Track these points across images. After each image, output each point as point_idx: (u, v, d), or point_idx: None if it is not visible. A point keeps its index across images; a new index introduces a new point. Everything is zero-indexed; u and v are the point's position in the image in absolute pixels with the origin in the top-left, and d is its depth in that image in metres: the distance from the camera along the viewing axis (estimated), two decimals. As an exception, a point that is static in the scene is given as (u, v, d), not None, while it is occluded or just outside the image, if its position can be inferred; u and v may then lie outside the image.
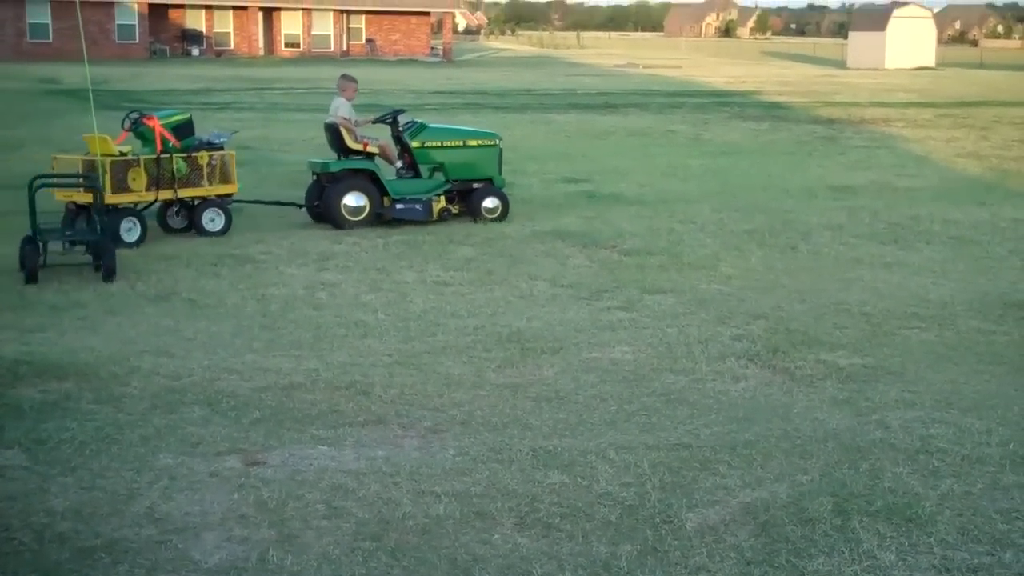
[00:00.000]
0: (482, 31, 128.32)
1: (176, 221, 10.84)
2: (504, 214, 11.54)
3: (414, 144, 11.39)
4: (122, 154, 10.23)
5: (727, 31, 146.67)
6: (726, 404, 5.91)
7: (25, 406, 5.66)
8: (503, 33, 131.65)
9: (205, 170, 10.59)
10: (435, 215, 11.27)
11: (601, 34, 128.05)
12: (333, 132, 11.24)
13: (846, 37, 60.87)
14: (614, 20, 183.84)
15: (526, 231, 10.93)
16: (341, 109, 11.27)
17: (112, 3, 48.64)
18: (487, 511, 4.49)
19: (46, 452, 5.05)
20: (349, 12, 56.14)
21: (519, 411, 5.76)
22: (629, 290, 8.54)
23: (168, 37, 51.69)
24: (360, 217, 11.04)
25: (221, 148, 10.87)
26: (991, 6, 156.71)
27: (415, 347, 6.93)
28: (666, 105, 27.99)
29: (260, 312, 7.83)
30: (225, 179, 10.78)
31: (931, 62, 53.64)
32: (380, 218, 11.15)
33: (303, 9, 54.01)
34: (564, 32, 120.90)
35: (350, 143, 11.17)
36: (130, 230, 10.03)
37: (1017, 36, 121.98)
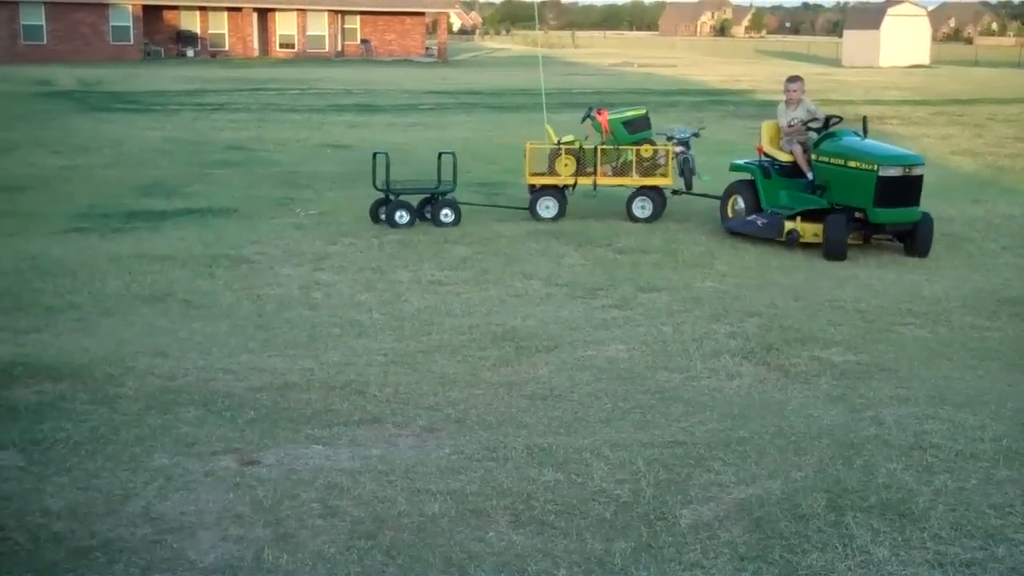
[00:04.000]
0: (477, 31, 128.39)
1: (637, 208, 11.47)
2: (837, 254, 9.65)
3: (813, 155, 10.32)
4: (559, 143, 11.52)
5: (722, 30, 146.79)
6: (721, 401, 5.92)
7: (20, 407, 5.67)
8: (498, 33, 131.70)
9: (651, 161, 11.35)
10: (783, 235, 10.06)
11: (596, 33, 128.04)
12: None
13: (841, 35, 60.97)
14: (609, 19, 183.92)
15: (521, 230, 10.94)
16: (779, 114, 10.93)
17: (106, 5, 48.63)
18: (482, 509, 4.50)
19: (41, 452, 5.05)
20: (344, 12, 56.12)
21: (514, 409, 5.77)
22: (624, 288, 8.55)
23: (163, 38, 51.66)
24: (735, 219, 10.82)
25: (686, 143, 11.53)
26: (985, 3, 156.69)
27: (410, 346, 6.94)
28: (661, 104, 27.96)
29: (255, 312, 7.83)
30: (664, 172, 11.42)
31: (926, 60, 53.80)
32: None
33: (298, 10, 53.99)
34: (559, 31, 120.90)
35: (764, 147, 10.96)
36: (548, 207, 11.46)
37: (1012, 33, 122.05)
